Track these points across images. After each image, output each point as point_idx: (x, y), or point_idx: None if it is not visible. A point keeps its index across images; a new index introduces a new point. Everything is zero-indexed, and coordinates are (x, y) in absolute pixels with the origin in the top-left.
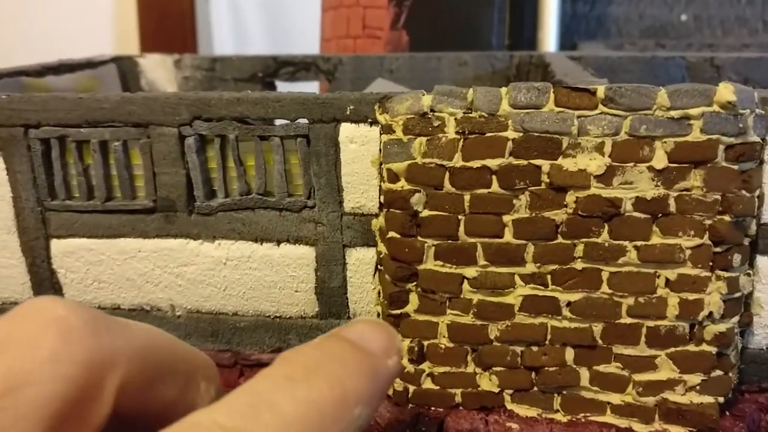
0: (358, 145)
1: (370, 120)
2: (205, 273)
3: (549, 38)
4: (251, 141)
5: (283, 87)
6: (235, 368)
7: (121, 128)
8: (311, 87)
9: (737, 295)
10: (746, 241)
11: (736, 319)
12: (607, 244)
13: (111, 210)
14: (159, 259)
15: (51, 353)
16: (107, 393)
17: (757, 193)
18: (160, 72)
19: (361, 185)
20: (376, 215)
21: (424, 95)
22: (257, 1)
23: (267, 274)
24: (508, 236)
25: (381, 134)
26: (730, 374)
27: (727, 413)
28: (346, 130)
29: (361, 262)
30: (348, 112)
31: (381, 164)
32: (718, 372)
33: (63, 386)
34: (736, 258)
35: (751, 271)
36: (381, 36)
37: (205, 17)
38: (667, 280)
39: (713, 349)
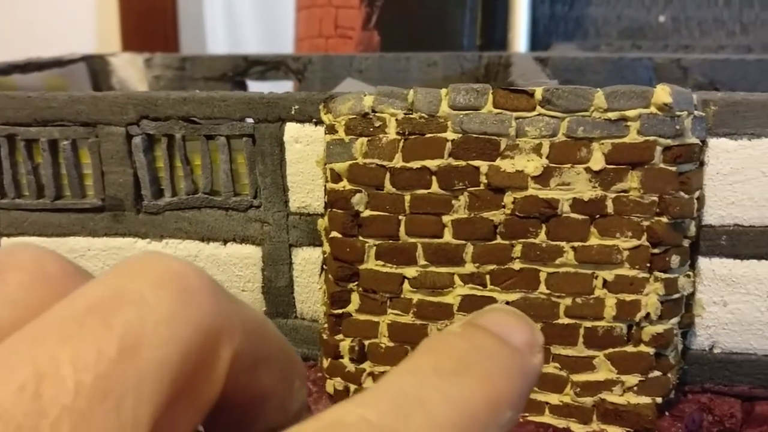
0: (303, 145)
1: (315, 120)
2: None
3: (519, 39)
4: (198, 140)
5: (254, 86)
6: None
7: (70, 127)
8: (284, 86)
9: (676, 296)
10: (686, 243)
11: (675, 320)
12: (544, 245)
13: (60, 209)
14: (108, 257)
15: (168, 313)
16: (221, 364)
17: (697, 194)
18: (131, 71)
19: (306, 185)
20: (322, 215)
21: (365, 96)
22: None
23: (214, 273)
24: (448, 236)
25: (325, 134)
26: (669, 375)
27: (667, 413)
28: (291, 129)
29: (307, 261)
30: (293, 112)
31: (325, 164)
32: (657, 373)
33: (180, 350)
34: (675, 259)
35: (691, 273)
36: (353, 36)
37: (199, 15)
38: (605, 281)
39: (651, 350)
